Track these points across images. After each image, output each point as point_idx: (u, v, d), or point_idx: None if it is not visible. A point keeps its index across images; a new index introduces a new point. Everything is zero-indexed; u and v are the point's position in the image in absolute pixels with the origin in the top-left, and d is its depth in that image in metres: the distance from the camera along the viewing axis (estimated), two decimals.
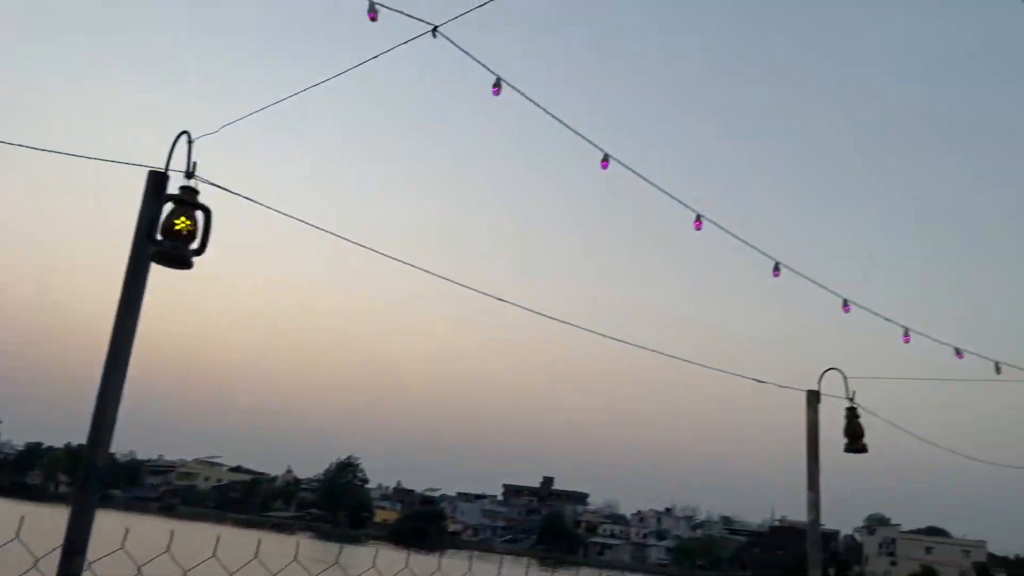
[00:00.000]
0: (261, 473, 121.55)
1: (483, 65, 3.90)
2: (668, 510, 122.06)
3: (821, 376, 9.19)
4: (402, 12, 3.48)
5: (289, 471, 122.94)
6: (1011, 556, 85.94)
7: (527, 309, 5.55)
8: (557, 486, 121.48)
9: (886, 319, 5.63)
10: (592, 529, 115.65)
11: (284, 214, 4.21)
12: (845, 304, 5.45)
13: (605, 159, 4.46)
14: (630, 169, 4.57)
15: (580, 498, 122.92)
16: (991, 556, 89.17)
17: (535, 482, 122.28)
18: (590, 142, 4.47)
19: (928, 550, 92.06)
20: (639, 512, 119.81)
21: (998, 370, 5.87)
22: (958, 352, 5.78)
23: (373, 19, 3.46)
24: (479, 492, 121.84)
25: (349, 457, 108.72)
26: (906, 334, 5.59)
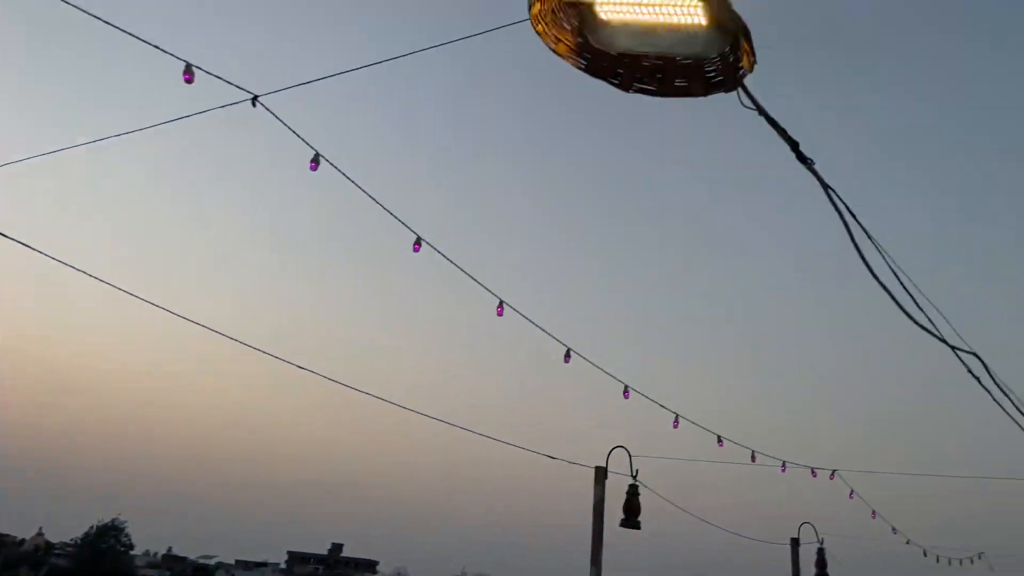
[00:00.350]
0: (5, 535, 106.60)
1: (302, 139, 3.92)
2: None
3: (609, 454, 9.71)
4: (220, 78, 3.43)
5: (40, 533, 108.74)
6: None
7: (320, 375, 5.46)
8: (347, 553, 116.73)
9: (661, 406, 6.14)
10: None
11: (62, 263, 3.92)
12: (625, 390, 5.88)
13: (417, 242, 4.59)
14: (441, 253, 4.73)
15: (369, 566, 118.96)
16: None
17: (324, 549, 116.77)
18: (404, 224, 4.59)
19: None
20: None
21: (753, 458, 6.57)
22: (720, 440, 6.40)
23: (188, 81, 3.38)
24: (261, 560, 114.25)
25: (113, 520, 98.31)
26: (676, 421, 6.12)
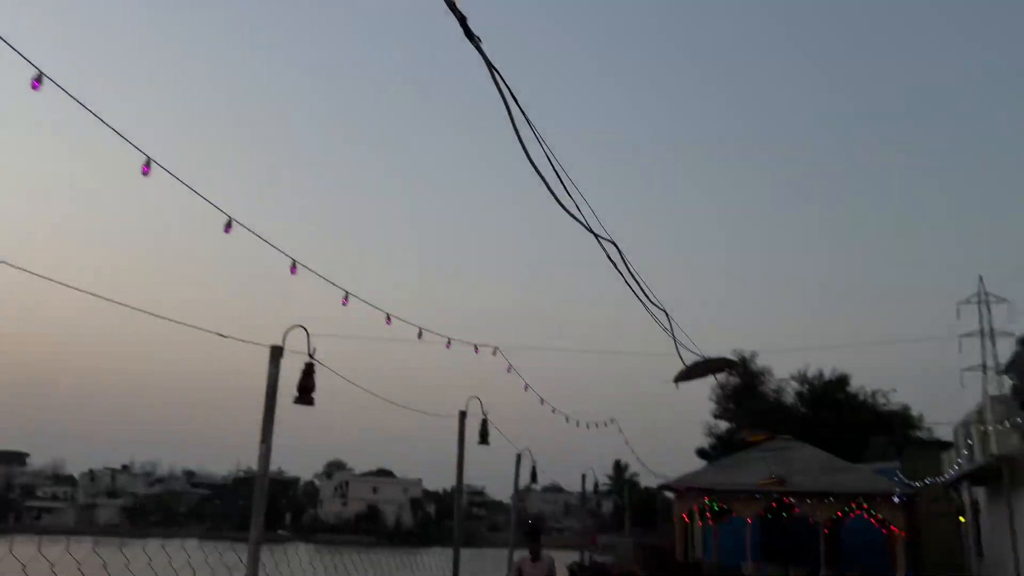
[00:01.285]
0: None
1: (22, 56, 3.41)
2: (125, 467, 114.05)
3: (286, 332, 9.49)
4: None
5: None
6: (440, 491, 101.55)
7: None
8: None
9: (329, 282, 6.05)
10: (29, 492, 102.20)
11: None
12: (293, 266, 5.70)
13: (147, 163, 4.24)
14: (168, 171, 4.29)
15: (18, 459, 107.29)
16: (425, 492, 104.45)
17: None
18: (132, 144, 4.19)
19: (375, 489, 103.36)
20: (91, 471, 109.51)
21: (420, 335, 6.83)
22: (388, 318, 6.54)
23: None
24: None
25: None
26: (345, 298, 6.11)
